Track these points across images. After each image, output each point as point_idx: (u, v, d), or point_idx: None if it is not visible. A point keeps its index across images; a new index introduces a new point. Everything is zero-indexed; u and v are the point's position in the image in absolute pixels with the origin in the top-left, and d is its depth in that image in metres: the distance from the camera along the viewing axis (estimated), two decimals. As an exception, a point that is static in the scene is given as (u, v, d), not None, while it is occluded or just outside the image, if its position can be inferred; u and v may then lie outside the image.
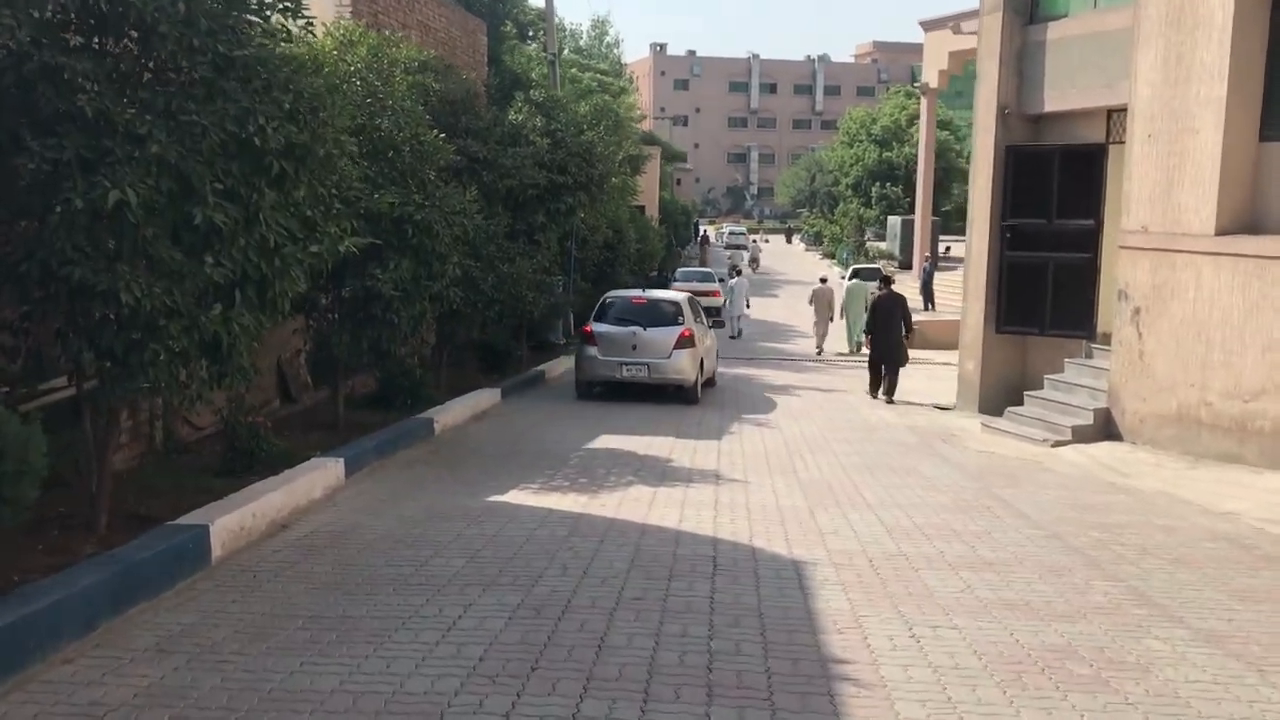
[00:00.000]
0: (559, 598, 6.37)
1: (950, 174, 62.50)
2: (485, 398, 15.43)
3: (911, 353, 19.03)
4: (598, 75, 43.30)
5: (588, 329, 16.91)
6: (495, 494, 9.55)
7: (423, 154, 12.46)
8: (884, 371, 17.82)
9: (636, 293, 18.36)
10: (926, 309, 36.14)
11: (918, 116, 68.72)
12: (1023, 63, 15.61)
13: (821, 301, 26.71)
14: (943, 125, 63.61)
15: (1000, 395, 16.20)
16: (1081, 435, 13.62)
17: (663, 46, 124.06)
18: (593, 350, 16.67)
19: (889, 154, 67.64)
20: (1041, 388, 15.28)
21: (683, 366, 16.45)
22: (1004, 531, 8.63)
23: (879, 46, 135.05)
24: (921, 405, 17.46)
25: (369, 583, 6.64)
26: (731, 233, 69.28)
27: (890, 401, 17.53)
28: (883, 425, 15.12)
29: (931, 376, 21.71)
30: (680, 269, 38.40)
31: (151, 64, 6.89)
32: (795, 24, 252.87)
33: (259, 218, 7.14)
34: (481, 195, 16.34)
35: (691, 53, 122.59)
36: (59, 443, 6.59)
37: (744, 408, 16.64)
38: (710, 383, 18.35)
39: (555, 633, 5.73)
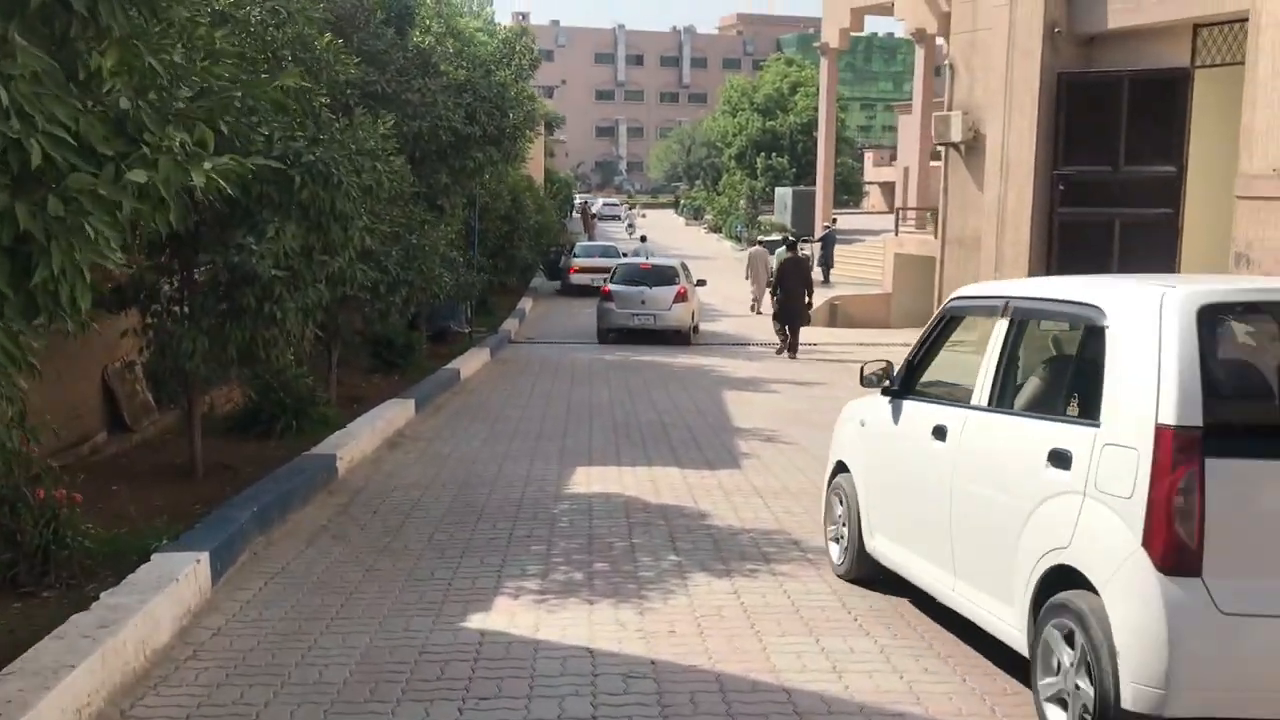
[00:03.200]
0: None
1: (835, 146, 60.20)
2: (396, 413, 11.46)
3: (841, 333, 20.40)
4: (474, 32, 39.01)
5: (606, 289, 21.38)
6: (474, 611, 5.72)
7: (313, 68, 8.44)
8: (788, 331, 18.84)
9: (642, 259, 24.07)
10: (826, 281, 33.71)
11: (800, 85, 67.06)
12: (1076, -32, 12.39)
13: (758, 264, 26.98)
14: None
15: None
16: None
17: (525, 15, 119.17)
18: (610, 305, 20.99)
19: (773, 123, 65.03)
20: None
21: (681, 316, 20.78)
22: None
23: (743, 19, 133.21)
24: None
25: None
26: (606, 204, 67.84)
27: (793, 358, 18.72)
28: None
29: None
30: (580, 245, 34.59)
31: None
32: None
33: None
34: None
35: (555, 22, 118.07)
36: None
37: (729, 414, 13.07)
38: (695, 329, 21.58)
39: None
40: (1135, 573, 3.89)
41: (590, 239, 45.72)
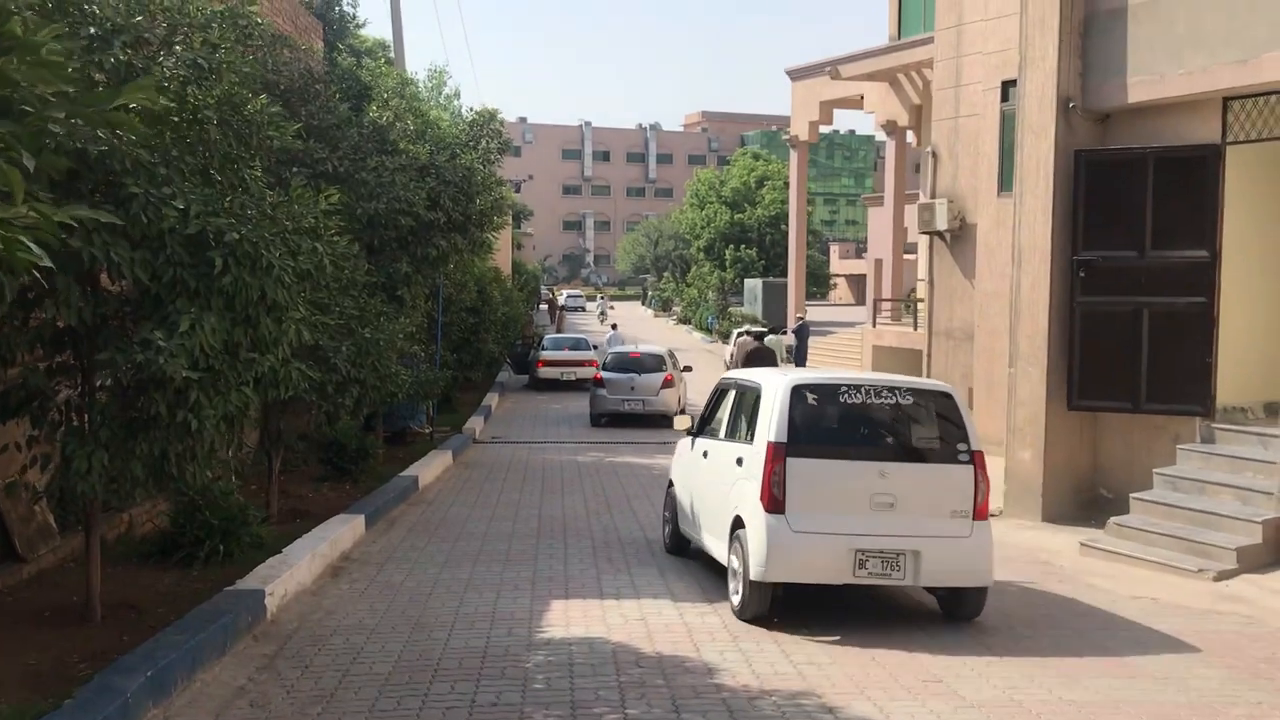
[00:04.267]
0: None
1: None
2: (343, 531, 9.99)
3: None
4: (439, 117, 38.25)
5: (598, 376, 22.88)
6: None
7: (243, 132, 7.18)
8: None
9: (632, 348, 25.14)
10: None
11: (767, 178, 67.14)
12: (1089, 40, 11.45)
13: (740, 353, 24.25)
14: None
15: (1069, 496, 11.78)
16: (1252, 561, 9.25)
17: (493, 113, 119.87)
18: (603, 391, 22.17)
19: (740, 216, 64.85)
20: (1133, 484, 10.98)
21: (668, 401, 21.88)
22: None
23: (707, 116, 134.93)
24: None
25: None
26: (570, 295, 68.34)
27: None
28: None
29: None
30: (549, 337, 33.34)
31: None
32: (621, 93, 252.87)
33: None
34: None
35: (523, 119, 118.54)
36: None
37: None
38: (682, 411, 20.70)
39: None
40: (758, 514, 7.53)
41: (559, 331, 44.59)
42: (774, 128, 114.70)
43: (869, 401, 7.83)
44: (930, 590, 7.97)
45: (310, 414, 11.62)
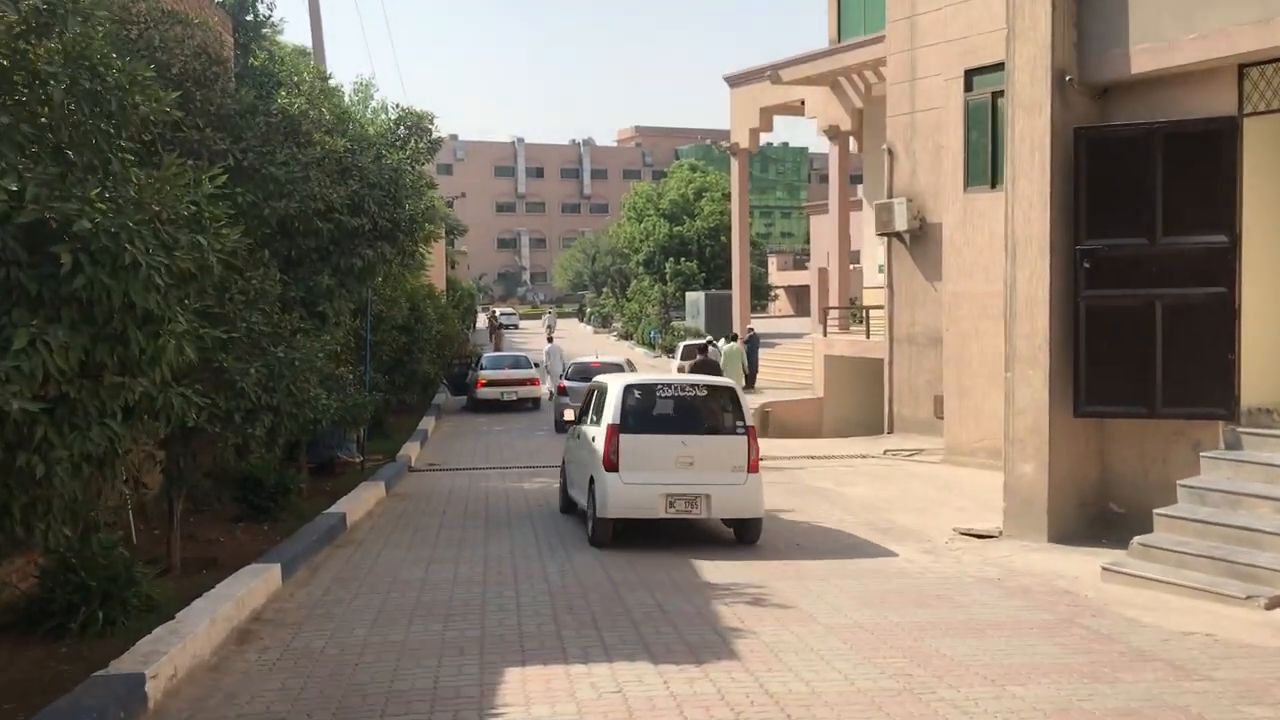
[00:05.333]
0: None
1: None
2: (254, 585, 8.45)
3: (784, 444, 20.77)
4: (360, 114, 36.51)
5: (562, 385, 24.05)
6: None
7: (101, 98, 5.69)
8: None
9: (593, 358, 26.45)
10: (751, 387, 32.40)
11: (705, 190, 66.24)
12: (1085, 6, 10.33)
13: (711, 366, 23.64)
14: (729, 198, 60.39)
15: (1075, 513, 10.62)
16: (1304, 583, 8.10)
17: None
18: (566, 399, 22.90)
19: (679, 229, 63.74)
20: (1148, 497, 9.86)
21: None
22: None
23: (641, 131, 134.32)
24: (933, 534, 11.64)
25: None
26: (503, 313, 67.85)
27: None
28: (950, 589, 9.07)
29: (875, 477, 16.07)
30: (488, 355, 31.79)
31: None
32: (553, 109, 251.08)
33: None
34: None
35: (454, 136, 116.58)
36: None
37: (692, 564, 10.35)
38: None
39: None
40: (601, 473, 10.78)
41: (497, 349, 43.00)
42: (708, 141, 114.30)
43: (677, 395, 11.37)
44: (726, 523, 11.41)
45: (217, 447, 10.06)
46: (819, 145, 36.73)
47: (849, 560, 10.15)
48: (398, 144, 14.95)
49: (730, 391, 11.53)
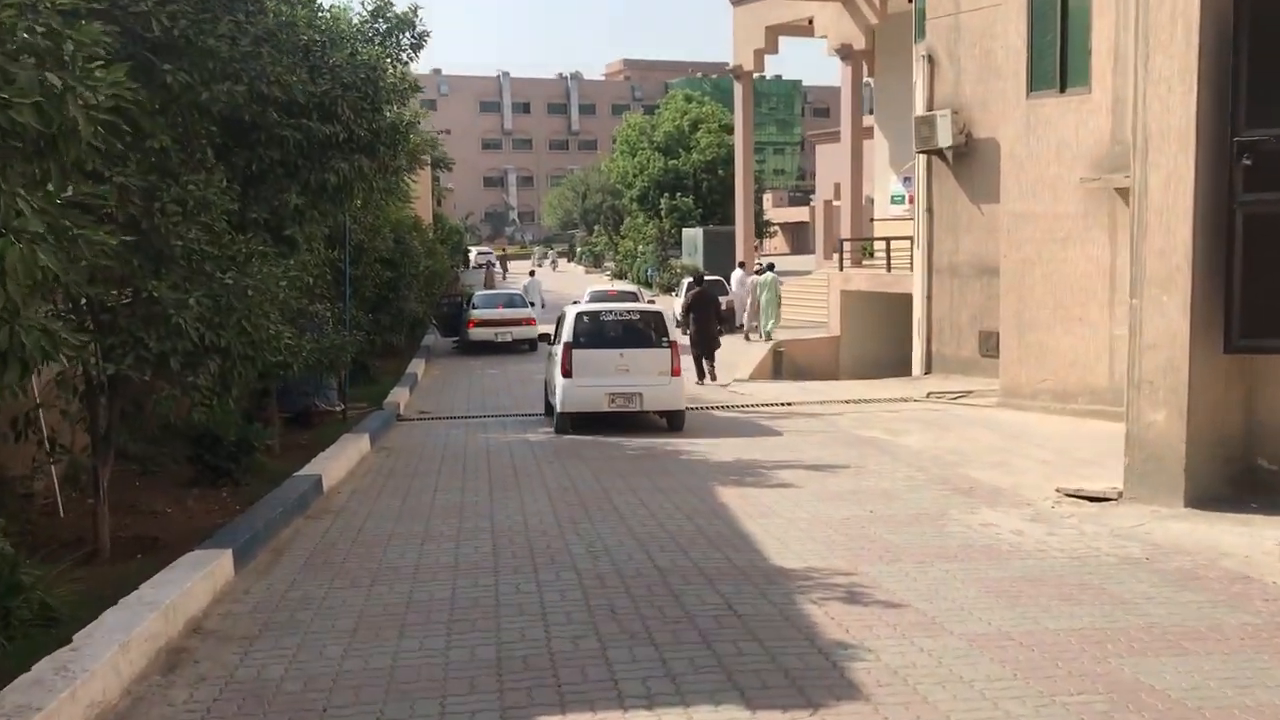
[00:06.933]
0: None
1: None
2: (194, 585, 6.41)
3: (808, 387, 19.67)
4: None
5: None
6: None
7: None
8: (705, 361, 19.68)
9: (609, 286, 31.17)
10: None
11: (701, 121, 63.44)
12: None
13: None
14: (729, 129, 57.95)
15: (1217, 470, 8.66)
16: None
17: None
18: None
19: (675, 162, 61.05)
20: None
21: None
22: None
23: (629, 64, 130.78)
24: (1029, 494, 9.68)
25: None
26: (480, 253, 66.51)
27: (708, 383, 19.20)
28: (1092, 574, 7.10)
29: (928, 424, 14.11)
30: (480, 294, 29.61)
31: None
32: (540, 45, 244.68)
33: None
34: (164, 120, 7.42)
35: (437, 71, 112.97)
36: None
37: (754, 538, 8.39)
38: None
39: None
40: (558, 378, 13.94)
41: (488, 288, 40.80)
42: (699, 74, 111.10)
43: (617, 319, 14.46)
44: (659, 415, 14.23)
45: (152, 400, 8.00)
46: (813, 77, 34.31)
47: (942, 532, 8.18)
48: (376, 39, 12.68)
49: (658, 315, 14.73)
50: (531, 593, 6.63)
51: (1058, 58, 14.70)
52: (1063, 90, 14.64)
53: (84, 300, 7.18)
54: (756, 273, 29.55)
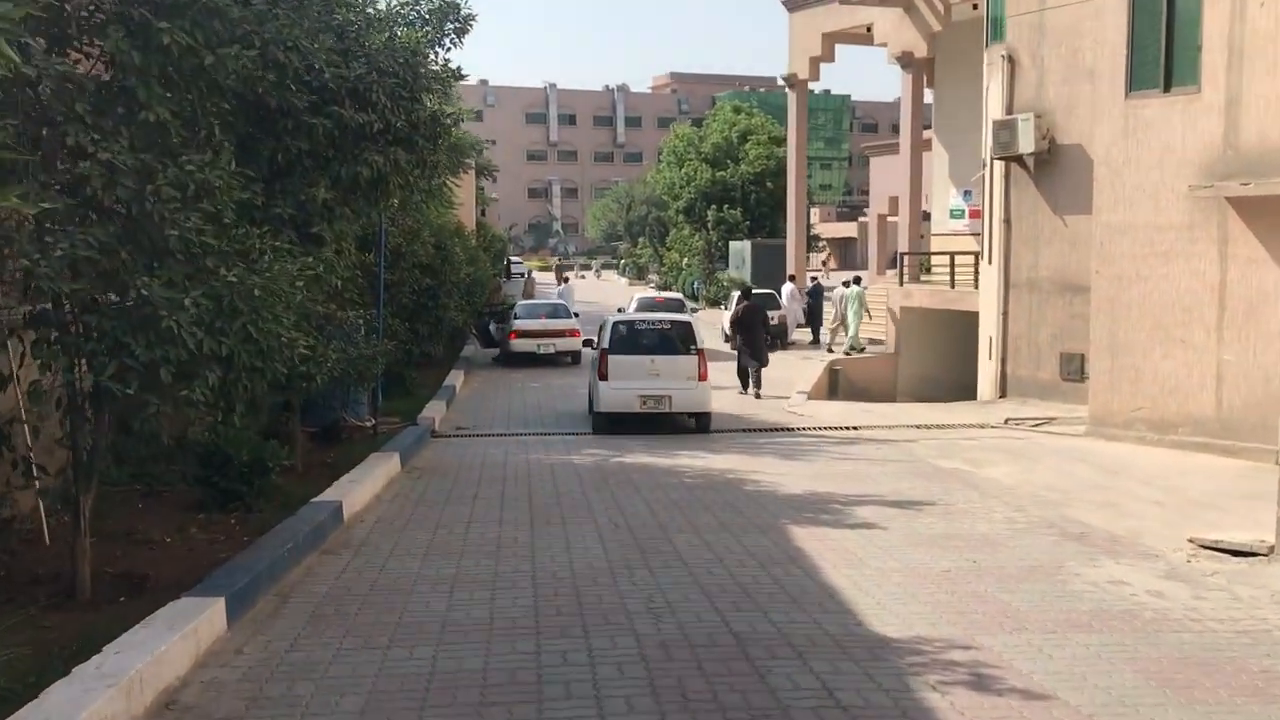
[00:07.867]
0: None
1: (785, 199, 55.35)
2: (170, 648, 5.26)
3: (872, 410, 18.51)
4: None
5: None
6: None
7: None
8: (750, 372, 19.59)
9: (656, 294, 33.80)
10: (815, 341, 30.65)
11: (750, 133, 62.13)
12: None
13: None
14: (778, 141, 56.72)
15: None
16: None
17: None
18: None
19: (722, 174, 59.82)
20: None
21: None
22: None
23: (676, 77, 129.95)
24: (1154, 544, 8.36)
25: None
26: (511, 261, 66.16)
27: (758, 396, 18.96)
28: (1271, 657, 5.79)
29: (1014, 455, 12.77)
30: (522, 304, 28.53)
31: None
32: (587, 57, 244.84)
33: None
34: (143, 89, 6.34)
35: (484, 82, 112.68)
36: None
37: (842, 594, 7.17)
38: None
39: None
40: (596, 381, 15.24)
41: (528, 298, 39.72)
42: (746, 88, 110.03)
43: (650, 328, 15.93)
44: (688, 416, 15.24)
45: (147, 418, 6.89)
46: (862, 93, 33.08)
47: (1066, 591, 6.90)
48: (416, 22, 11.62)
49: (687, 325, 16.07)
50: (582, 664, 5.43)
51: (1162, 54, 13.37)
52: (1167, 90, 13.33)
53: (63, 297, 6.10)
54: (844, 285, 29.23)
